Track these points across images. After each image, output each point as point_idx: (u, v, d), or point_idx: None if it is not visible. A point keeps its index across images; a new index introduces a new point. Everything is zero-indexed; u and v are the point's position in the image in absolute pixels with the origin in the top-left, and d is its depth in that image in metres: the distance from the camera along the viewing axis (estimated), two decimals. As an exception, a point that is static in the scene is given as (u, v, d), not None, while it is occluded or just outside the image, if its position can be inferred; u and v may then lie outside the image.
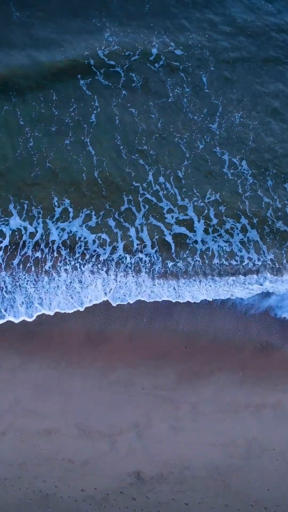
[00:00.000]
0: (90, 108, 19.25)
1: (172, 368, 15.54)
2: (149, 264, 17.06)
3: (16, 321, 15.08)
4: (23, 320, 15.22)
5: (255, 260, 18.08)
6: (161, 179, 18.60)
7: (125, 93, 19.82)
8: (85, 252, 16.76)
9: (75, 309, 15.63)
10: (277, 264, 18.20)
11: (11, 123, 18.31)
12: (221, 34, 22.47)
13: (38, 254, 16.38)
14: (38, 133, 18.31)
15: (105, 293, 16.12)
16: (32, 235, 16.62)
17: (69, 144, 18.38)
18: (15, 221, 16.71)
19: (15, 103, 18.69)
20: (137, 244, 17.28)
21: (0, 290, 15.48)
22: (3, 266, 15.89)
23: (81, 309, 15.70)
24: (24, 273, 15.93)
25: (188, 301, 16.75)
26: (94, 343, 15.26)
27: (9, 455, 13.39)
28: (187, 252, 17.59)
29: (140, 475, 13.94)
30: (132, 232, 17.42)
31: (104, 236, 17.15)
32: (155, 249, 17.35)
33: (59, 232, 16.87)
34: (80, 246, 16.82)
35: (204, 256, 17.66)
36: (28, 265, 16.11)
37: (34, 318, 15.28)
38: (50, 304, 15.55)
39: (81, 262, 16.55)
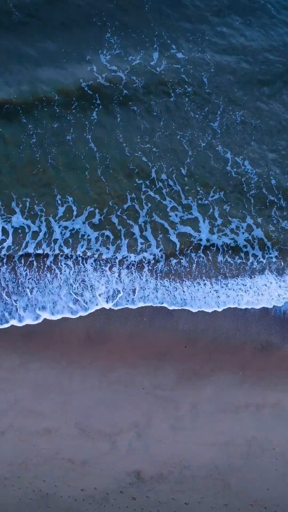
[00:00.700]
0: (92, 106, 19.17)
1: (172, 368, 15.53)
2: (154, 266, 17.02)
3: (20, 325, 15.02)
4: (23, 320, 15.23)
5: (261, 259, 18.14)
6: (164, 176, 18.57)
7: (127, 92, 19.73)
8: (86, 251, 16.71)
9: (78, 315, 15.59)
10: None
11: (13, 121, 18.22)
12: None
13: (40, 251, 16.32)
14: (41, 130, 18.22)
15: (107, 301, 16.04)
16: (35, 234, 16.51)
17: (71, 141, 18.30)
18: (18, 219, 16.63)
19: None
20: (141, 243, 17.24)
21: (2, 290, 15.41)
22: (5, 266, 15.79)
23: (84, 314, 15.66)
24: (28, 273, 15.80)
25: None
26: (94, 343, 15.25)
27: (9, 454, 13.40)
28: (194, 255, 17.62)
29: (140, 475, 13.96)
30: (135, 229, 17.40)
31: (107, 233, 17.10)
32: (159, 248, 17.33)
33: (62, 230, 16.78)
34: (83, 245, 16.74)
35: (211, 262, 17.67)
36: (31, 265, 16.01)
37: (39, 321, 15.20)
38: (54, 307, 15.46)
39: (85, 263, 16.47)
